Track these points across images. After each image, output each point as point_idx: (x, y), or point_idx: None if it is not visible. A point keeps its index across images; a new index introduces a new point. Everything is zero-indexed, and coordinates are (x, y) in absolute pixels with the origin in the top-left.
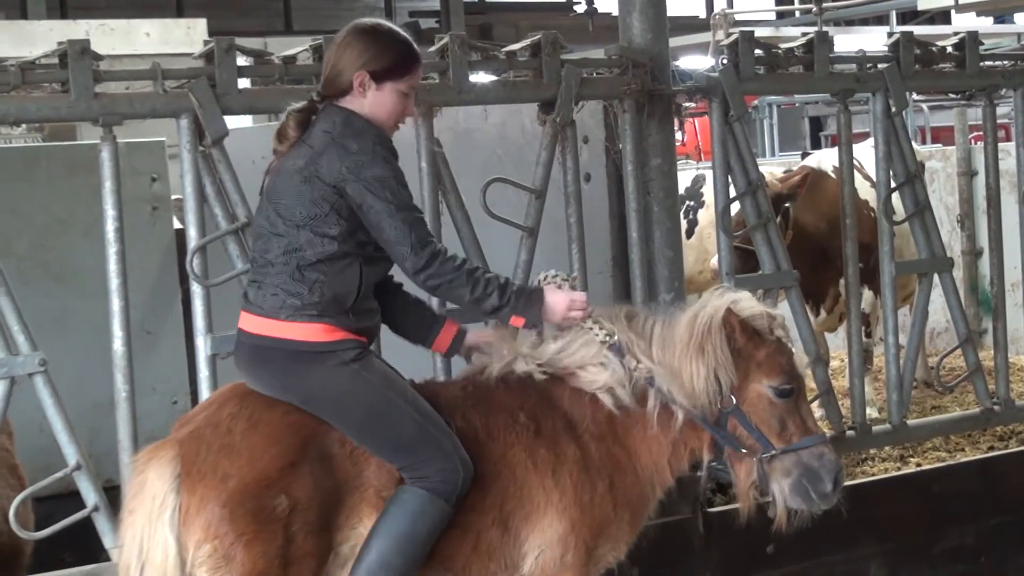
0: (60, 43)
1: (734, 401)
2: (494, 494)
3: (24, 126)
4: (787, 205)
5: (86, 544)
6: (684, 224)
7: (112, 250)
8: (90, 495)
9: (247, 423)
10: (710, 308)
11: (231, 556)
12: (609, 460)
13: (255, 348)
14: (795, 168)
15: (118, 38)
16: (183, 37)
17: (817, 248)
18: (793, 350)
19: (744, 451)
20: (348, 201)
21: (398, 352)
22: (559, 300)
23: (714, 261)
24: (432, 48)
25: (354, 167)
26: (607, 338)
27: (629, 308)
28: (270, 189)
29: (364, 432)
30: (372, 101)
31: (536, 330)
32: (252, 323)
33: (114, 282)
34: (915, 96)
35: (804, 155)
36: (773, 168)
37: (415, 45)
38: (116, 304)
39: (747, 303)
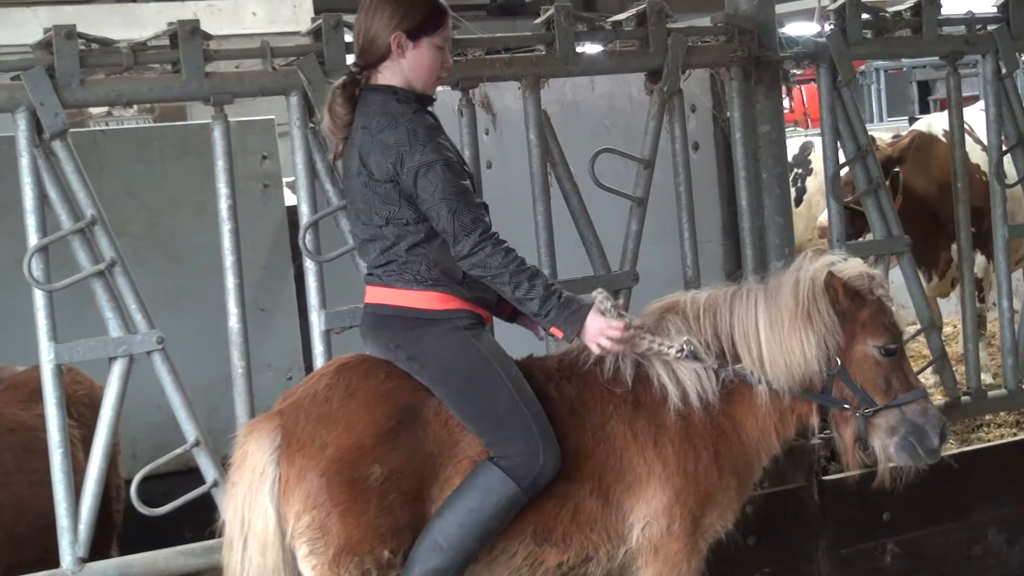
0: (170, 23)
1: (839, 363)
2: (592, 465)
3: (135, 108)
4: (897, 170)
5: (206, 519)
6: (792, 192)
7: (226, 228)
8: (209, 471)
9: (344, 392)
10: (810, 273)
11: (327, 527)
12: (713, 428)
13: (376, 316)
14: (904, 133)
15: (225, 18)
16: (289, 16)
17: (928, 213)
18: (893, 307)
19: (848, 408)
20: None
21: (504, 331)
22: (595, 324)
23: (822, 218)
24: (538, 20)
25: (397, 160)
26: (680, 352)
27: (711, 295)
28: (347, 192)
29: (462, 397)
30: (411, 61)
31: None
32: (374, 295)
33: (228, 260)
34: None
35: (912, 120)
36: (881, 134)
37: None
38: (231, 281)
39: (846, 264)
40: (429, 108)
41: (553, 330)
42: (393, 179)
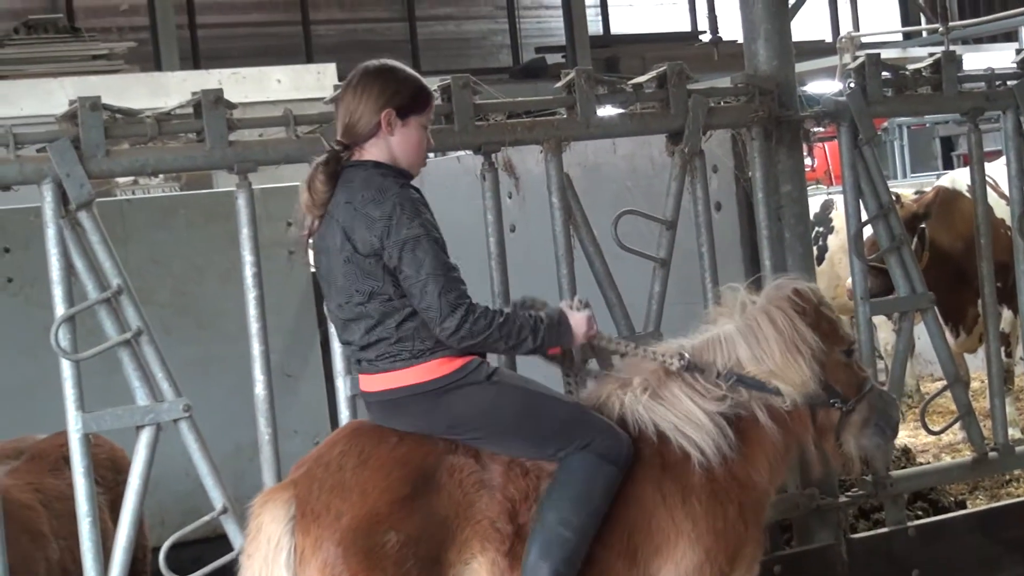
0: (194, 93)
1: (822, 392)
2: (621, 528)
3: (162, 176)
4: (923, 226)
5: None
6: (814, 251)
7: (251, 295)
8: (237, 538)
9: (357, 459)
10: (774, 301)
11: None
12: (734, 481)
13: (386, 403)
14: (928, 189)
15: (250, 86)
16: (313, 82)
17: (955, 269)
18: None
19: (837, 406)
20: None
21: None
22: (579, 321)
23: (850, 282)
24: (559, 83)
25: (383, 233)
26: (680, 361)
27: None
28: (325, 272)
29: (520, 433)
30: (399, 139)
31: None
32: (372, 383)
33: (254, 327)
34: None
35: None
36: (904, 190)
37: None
38: (256, 348)
39: (798, 284)
40: (412, 184)
41: (551, 351)
42: (377, 253)
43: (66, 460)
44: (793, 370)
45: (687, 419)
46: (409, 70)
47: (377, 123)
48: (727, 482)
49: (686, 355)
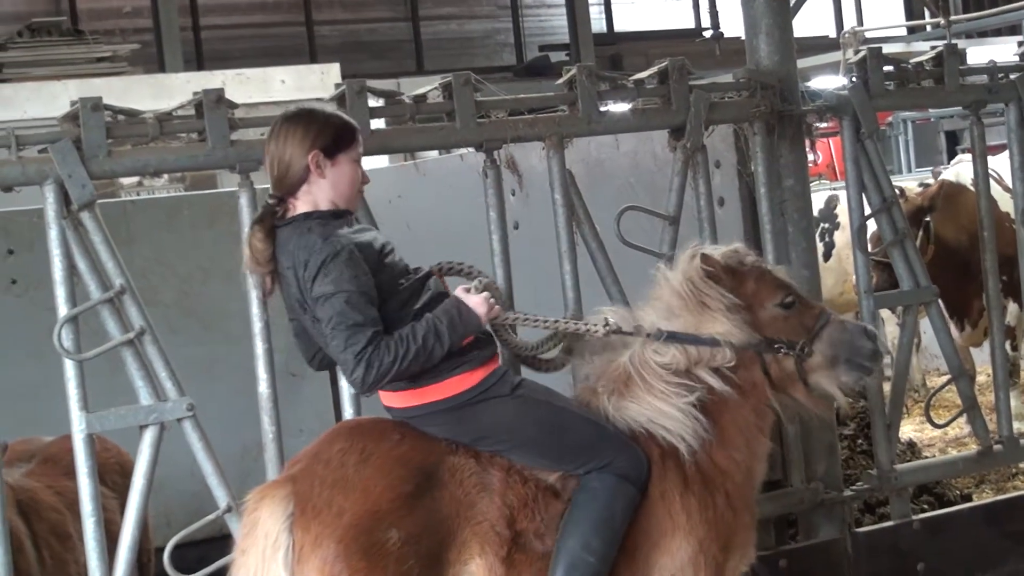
0: (196, 93)
1: (759, 336)
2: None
3: (166, 177)
4: (927, 219)
5: None
6: (820, 247)
7: (254, 294)
8: None
9: (359, 457)
10: (683, 271)
11: None
12: (716, 468)
13: (411, 419)
14: (931, 182)
15: (254, 86)
16: (317, 82)
17: (960, 262)
18: (769, 266)
19: (784, 351)
20: None
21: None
22: (478, 303)
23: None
24: (560, 80)
25: (311, 289)
26: (606, 327)
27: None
28: (309, 329)
29: (543, 447)
30: (332, 179)
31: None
32: (394, 399)
33: (257, 326)
34: None
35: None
36: (908, 183)
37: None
38: (260, 347)
39: (710, 249)
40: (356, 230)
41: (464, 343)
42: None
43: None
44: (710, 324)
45: (659, 412)
46: (328, 110)
47: (306, 167)
48: (712, 471)
49: (610, 319)
